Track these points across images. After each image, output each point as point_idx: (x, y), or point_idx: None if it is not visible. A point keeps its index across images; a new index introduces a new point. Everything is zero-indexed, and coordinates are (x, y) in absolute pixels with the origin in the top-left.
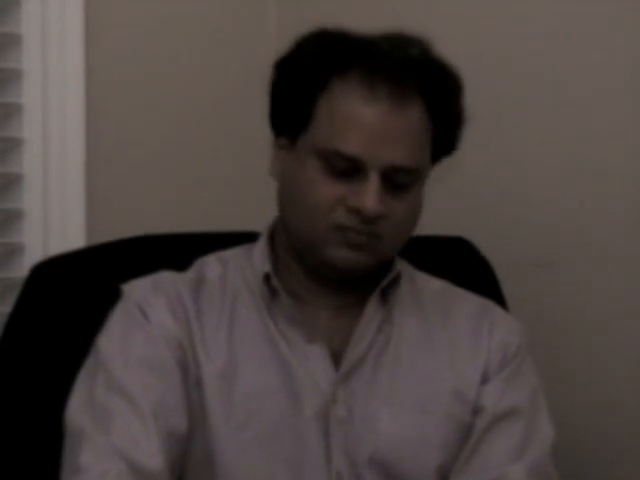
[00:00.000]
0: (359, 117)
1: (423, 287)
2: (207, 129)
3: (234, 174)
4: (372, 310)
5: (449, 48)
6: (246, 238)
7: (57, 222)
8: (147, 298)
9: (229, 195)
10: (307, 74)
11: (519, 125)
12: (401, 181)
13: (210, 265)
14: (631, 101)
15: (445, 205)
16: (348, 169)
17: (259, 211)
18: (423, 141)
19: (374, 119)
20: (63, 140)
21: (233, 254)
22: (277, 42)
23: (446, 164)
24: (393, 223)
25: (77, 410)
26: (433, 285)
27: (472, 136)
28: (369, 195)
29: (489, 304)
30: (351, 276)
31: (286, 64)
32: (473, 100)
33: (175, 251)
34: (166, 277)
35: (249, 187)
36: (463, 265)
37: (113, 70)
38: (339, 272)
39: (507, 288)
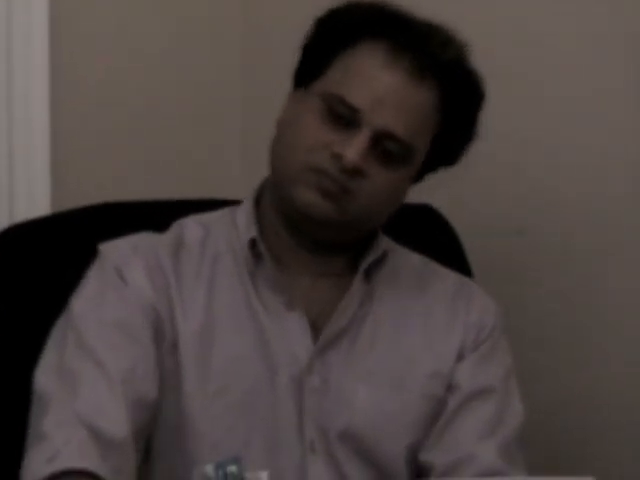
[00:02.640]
0: (373, 76)
1: (403, 264)
2: (174, 97)
3: (202, 142)
4: (357, 286)
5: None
6: (214, 206)
7: (22, 190)
8: (125, 260)
9: (197, 163)
10: (343, 27)
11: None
12: (391, 149)
13: (189, 228)
14: (593, 68)
15: None
16: (345, 119)
17: (229, 179)
18: (425, 126)
19: (387, 83)
20: (28, 108)
21: (214, 218)
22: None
23: None
24: (370, 187)
25: (45, 373)
26: (412, 261)
27: None
28: (353, 146)
29: (467, 282)
30: (319, 230)
31: (327, 17)
32: None
33: (141, 218)
34: (145, 239)
35: (217, 155)
36: (429, 233)
37: (78, 36)
38: (306, 218)
39: (474, 256)
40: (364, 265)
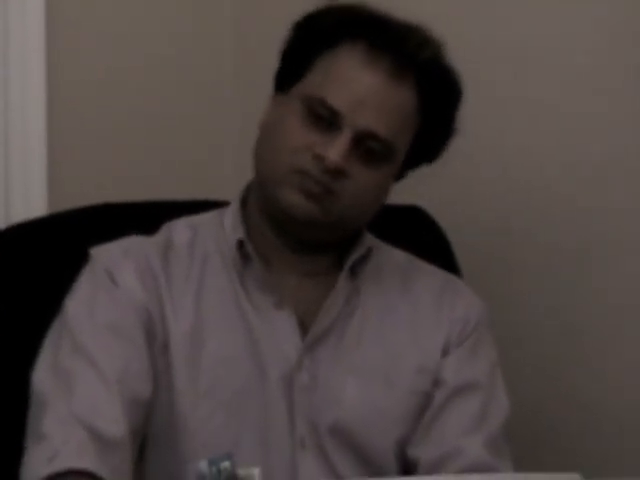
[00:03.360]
0: (353, 77)
1: (388, 261)
2: (171, 98)
3: (199, 143)
4: (342, 283)
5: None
6: (209, 207)
7: (19, 190)
8: (115, 263)
9: (194, 164)
10: (322, 30)
11: (474, 93)
12: (373, 149)
13: (178, 230)
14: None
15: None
16: (326, 120)
17: (225, 180)
18: (406, 125)
19: (367, 84)
20: (24, 110)
21: (203, 220)
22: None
23: None
24: (353, 187)
25: (42, 375)
26: (397, 258)
27: None
28: (335, 147)
29: (452, 279)
30: (304, 230)
31: (306, 21)
32: None
33: (137, 219)
34: (134, 242)
35: (215, 156)
36: (418, 234)
37: (75, 37)
38: (290, 219)
39: (461, 255)
40: (349, 263)
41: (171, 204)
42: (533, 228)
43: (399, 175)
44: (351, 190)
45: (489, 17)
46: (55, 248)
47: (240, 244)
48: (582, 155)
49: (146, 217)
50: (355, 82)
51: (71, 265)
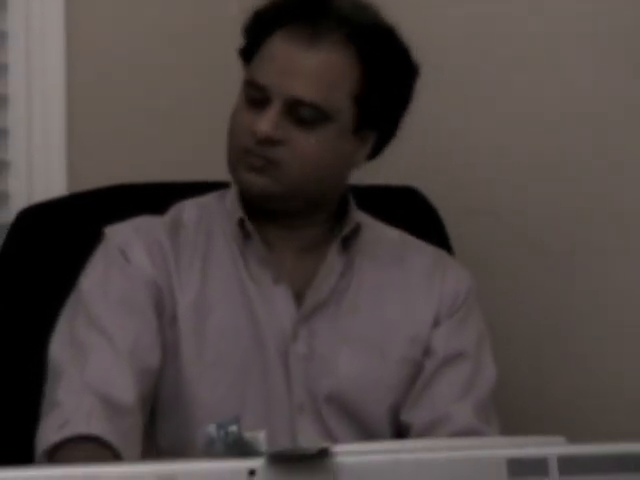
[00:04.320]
0: (275, 54)
1: (381, 237)
2: (188, 81)
3: (211, 128)
4: (333, 257)
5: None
6: (217, 187)
7: (40, 172)
8: (127, 241)
9: (209, 145)
10: (260, 24)
11: (467, 75)
12: (305, 115)
13: (186, 210)
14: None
15: (395, 154)
16: (260, 98)
17: None
18: (337, 85)
19: (284, 56)
20: (45, 97)
21: (208, 200)
22: None
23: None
24: (293, 152)
25: (58, 347)
26: (390, 235)
27: (423, 89)
28: (263, 119)
29: (442, 254)
30: (268, 204)
31: (250, 18)
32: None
33: (150, 199)
34: (145, 221)
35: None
36: (412, 214)
37: (94, 25)
38: (252, 197)
39: (454, 234)
40: (338, 236)
41: (181, 185)
42: (521, 208)
43: (373, 153)
44: (292, 155)
45: (490, 16)
46: (73, 226)
47: (241, 223)
48: (574, 146)
49: (158, 197)
50: (276, 57)
51: (87, 242)
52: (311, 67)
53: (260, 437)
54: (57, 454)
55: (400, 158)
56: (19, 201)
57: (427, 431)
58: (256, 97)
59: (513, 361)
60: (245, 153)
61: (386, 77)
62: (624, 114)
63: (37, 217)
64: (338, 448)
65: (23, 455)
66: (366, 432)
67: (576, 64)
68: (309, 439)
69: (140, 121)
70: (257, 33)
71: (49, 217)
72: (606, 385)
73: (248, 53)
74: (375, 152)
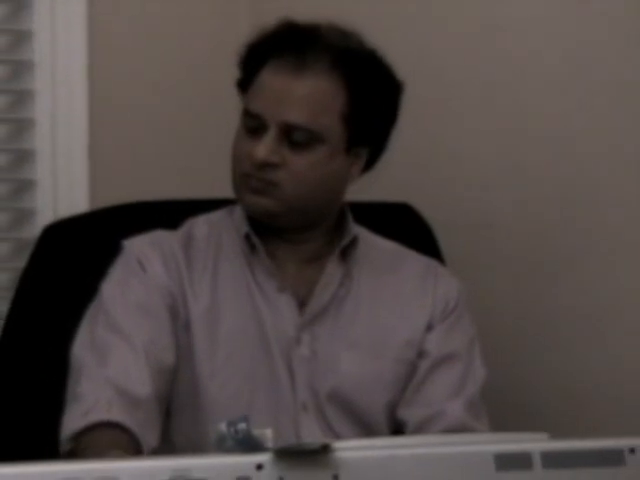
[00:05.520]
0: (266, 83)
1: (377, 248)
2: (207, 103)
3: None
4: (332, 267)
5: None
6: (227, 204)
7: (64, 190)
8: (144, 252)
9: (226, 162)
10: (253, 56)
11: (461, 93)
12: (298, 139)
13: (198, 225)
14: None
15: (390, 171)
16: (256, 126)
17: None
18: (326, 108)
19: (276, 84)
20: (69, 122)
21: (217, 216)
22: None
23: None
24: (290, 173)
25: (80, 347)
26: (385, 246)
27: (418, 107)
28: (261, 145)
29: (434, 263)
30: (271, 222)
31: (244, 51)
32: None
33: (165, 214)
34: (160, 235)
35: None
36: (407, 229)
37: (115, 41)
38: (257, 217)
39: (447, 248)
40: (338, 248)
41: (195, 202)
42: (513, 223)
43: (367, 167)
44: (288, 176)
45: (480, 35)
46: (95, 240)
47: (247, 237)
48: (566, 155)
49: (173, 213)
50: (268, 87)
51: (107, 255)
52: (301, 93)
53: (267, 434)
54: (81, 439)
55: (395, 175)
56: (45, 217)
57: (421, 427)
58: (253, 125)
59: (502, 362)
60: (247, 177)
61: (372, 97)
62: (612, 128)
63: (61, 232)
64: (339, 444)
65: (47, 445)
66: (365, 428)
67: (564, 79)
68: (312, 435)
69: (157, 143)
70: (250, 65)
71: (73, 232)
72: (590, 385)
73: (244, 84)
74: (368, 166)
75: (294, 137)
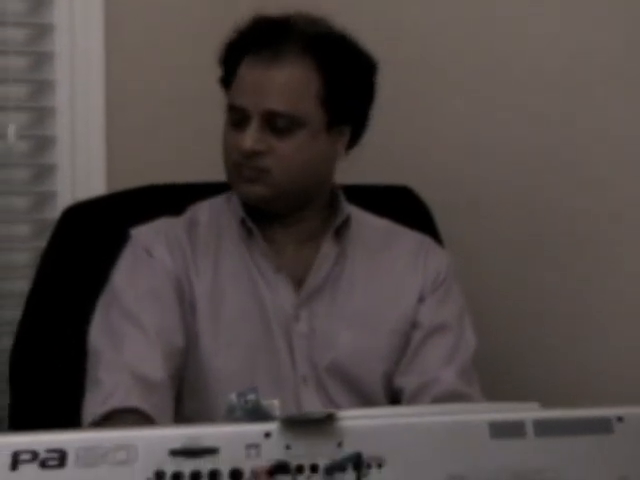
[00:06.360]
0: (245, 77)
1: (370, 226)
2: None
3: None
4: (327, 246)
5: None
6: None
7: (83, 174)
8: (150, 241)
9: None
10: (231, 54)
11: (461, 77)
12: (281, 125)
13: (201, 210)
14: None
15: (390, 154)
16: (240, 119)
17: None
18: (301, 93)
19: (254, 76)
20: (87, 110)
21: (218, 201)
22: None
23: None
24: (277, 159)
25: (96, 333)
26: (378, 224)
27: (416, 91)
28: (246, 136)
29: (426, 239)
30: (264, 207)
31: (223, 49)
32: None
33: (178, 197)
34: (165, 223)
35: None
36: (406, 213)
37: (132, 22)
38: (252, 204)
39: (446, 230)
40: (331, 228)
41: (205, 185)
42: (512, 206)
43: (351, 143)
44: (276, 162)
45: (489, 16)
46: (112, 221)
47: (243, 222)
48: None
49: (185, 196)
50: (247, 80)
51: (123, 236)
52: (278, 82)
53: (275, 404)
54: (103, 424)
55: (394, 158)
56: (64, 200)
57: (417, 394)
58: (237, 118)
59: (499, 338)
60: (238, 167)
61: (345, 78)
62: (613, 107)
63: (80, 214)
64: (343, 413)
65: (68, 421)
66: (363, 398)
67: (565, 58)
68: (313, 407)
69: (172, 129)
70: (229, 63)
71: (91, 214)
72: (583, 357)
73: (226, 81)
74: (353, 142)
75: (276, 124)
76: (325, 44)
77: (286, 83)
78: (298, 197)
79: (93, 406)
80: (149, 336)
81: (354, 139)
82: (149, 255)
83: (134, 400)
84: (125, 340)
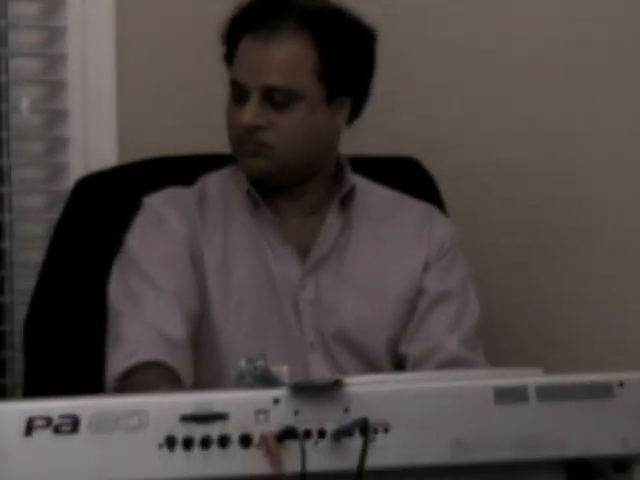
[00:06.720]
0: (244, 53)
1: (375, 196)
2: None
3: None
4: (333, 217)
5: None
6: None
7: (95, 146)
8: (163, 207)
9: None
10: (231, 29)
11: (462, 48)
12: (279, 99)
13: (211, 182)
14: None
15: (395, 125)
16: (241, 94)
17: None
18: (298, 67)
19: (252, 53)
20: (98, 82)
21: (226, 173)
22: None
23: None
24: (279, 133)
25: (116, 295)
26: (383, 194)
27: (422, 61)
28: (245, 111)
29: (430, 209)
30: (269, 180)
31: (225, 26)
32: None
33: (187, 169)
34: (176, 192)
35: None
36: (412, 184)
37: (141, 17)
38: (255, 178)
39: (451, 201)
40: (336, 198)
41: (214, 156)
42: (518, 177)
43: (353, 115)
44: (277, 136)
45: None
46: (123, 191)
47: (249, 193)
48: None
49: (194, 167)
50: (246, 56)
51: (134, 205)
52: (275, 58)
53: (284, 370)
54: (128, 379)
55: (400, 130)
56: (77, 171)
57: (421, 360)
58: (238, 94)
59: (497, 302)
60: (241, 142)
61: (342, 52)
62: (613, 94)
63: (92, 185)
64: (349, 380)
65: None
66: (369, 364)
67: (572, 31)
68: (321, 372)
69: (182, 102)
70: (231, 40)
71: (103, 184)
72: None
73: (228, 57)
74: (355, 114)
75: (275, 99)
76: (321, 19)
77: (283, 58)
78: (301, 169)
79: (117, 362)
80: (168, 297)
81: (356, 111)
82: (161, 221)
83: (159, 354)
84: (145, 301)
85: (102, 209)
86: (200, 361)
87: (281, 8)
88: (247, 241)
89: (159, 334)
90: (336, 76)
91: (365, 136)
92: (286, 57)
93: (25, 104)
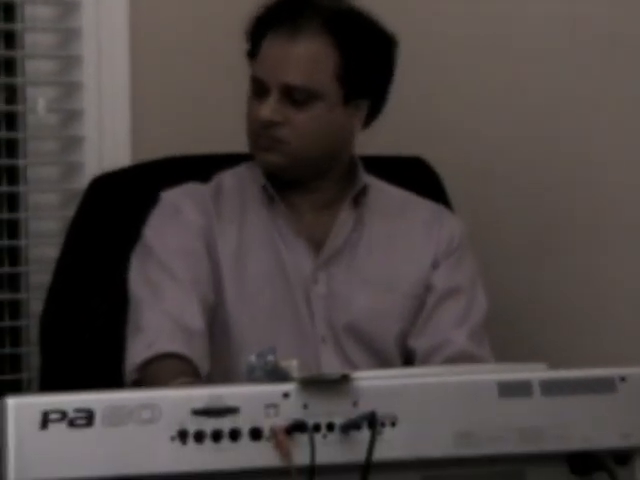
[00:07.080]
0: (266, 51)
1: (387, 195)
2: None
3: None
4: (345, 213)
5: None
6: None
7: (109, 145)
8: (180, 201)
9: None
10: (256, 29)
11: (472, 49)
12: (298, 97)
13: (226, 178)
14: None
15: (403, 125)
16: (261, 90)
17: None
18: (317, 67)
19: (274, 51)
20: (113, 84)
21: (242, 169)
22: None
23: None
24: (294, 130)
25: (136, 284)
26: (395, 193)
27: (430, 62)
28: (264, 106)
29: (440, 208)
30: (282, 175)
31: (249, 25)
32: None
33: (200, 168)
34: (193, 187)
35: None
36: (419, 184)
37: (154, 18)
38: (269, 172)
39: (458, 200)
40: (349, 196)
41: (227, 156)
42: (524, 178)
43: (370, 118)
44: (292, 132)
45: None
46: (136, 190)
47: (264, 188)
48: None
49: (207, 166)
50: (268, 54)
51: (147, 203)
52: (296, 56)
53: (293, 365)
54: (148, 368)
55: (408, 130)
56: (92, 170)
57: (429, 354)
58: (258, 89)
59: (505, 299)
60: (257, 137)
61: (363, 55)
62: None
63: (107, 183)
64: (357, 374)
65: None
66: (379, 358)
67: (578, 30)
68: (332, 365)
69: (196, 100)
70: (255, 37)
71: (117, 183)
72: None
73: (252, 54)
74: (372, 117)
75: (294, 96)
76: (344, 21)
77: (304, 57)
78: (314, 166)
79: (137, 352)
80: (185, 287)
81: (372, 114)
82: (178, 212)
83: (177, 346)
84: (164, 290)
85: (116, 207)
86: (213, 351)
87: (306, 8)
88: (262, 235)
89: (177, 324)
90: (355, 79)
91: (373, 136)
92: (307, 56)
93: (41, 104)
